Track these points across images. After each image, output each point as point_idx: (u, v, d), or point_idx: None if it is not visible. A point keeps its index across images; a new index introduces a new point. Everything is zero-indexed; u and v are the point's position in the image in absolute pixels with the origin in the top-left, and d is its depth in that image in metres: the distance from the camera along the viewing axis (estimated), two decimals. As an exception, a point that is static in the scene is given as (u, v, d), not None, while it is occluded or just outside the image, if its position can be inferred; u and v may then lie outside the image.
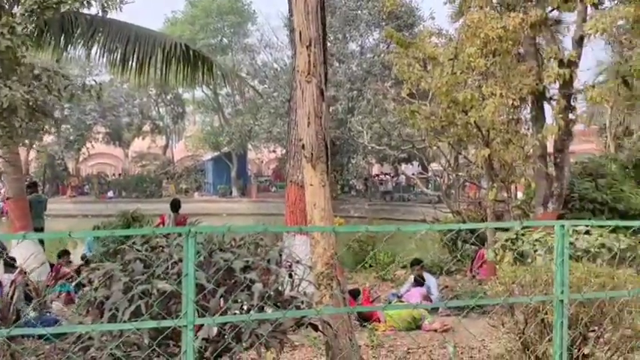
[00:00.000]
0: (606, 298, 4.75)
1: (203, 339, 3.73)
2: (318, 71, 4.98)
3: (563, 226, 4.34)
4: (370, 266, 12.02)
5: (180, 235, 3.63)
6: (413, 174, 34.11)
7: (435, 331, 7.58)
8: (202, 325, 3.69)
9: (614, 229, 6.86)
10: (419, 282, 9.16)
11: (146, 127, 45.52)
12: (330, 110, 29.68)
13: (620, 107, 19.13)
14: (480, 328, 6.88)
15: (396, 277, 11.40)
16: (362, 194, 37.38)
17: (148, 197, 37.81)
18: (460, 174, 15.88)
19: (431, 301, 8.78)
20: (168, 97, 44.27)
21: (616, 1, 11.16)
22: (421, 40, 11.37)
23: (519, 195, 15.11)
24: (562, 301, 4.29)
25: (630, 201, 10.85)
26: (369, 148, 26.97)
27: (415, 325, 7.85)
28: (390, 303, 8.87)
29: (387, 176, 39.28)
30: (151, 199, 36.59)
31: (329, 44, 31.01)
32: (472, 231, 10.59)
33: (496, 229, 9.12)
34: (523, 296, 4.87)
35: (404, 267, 11.59)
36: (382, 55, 28.00)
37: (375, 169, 43.12)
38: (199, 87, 33.62)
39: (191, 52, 10.70)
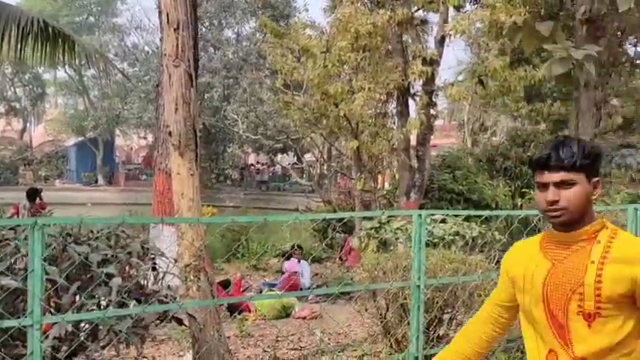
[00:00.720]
0: (459, 283, 5.11)
1: (55, 338, 3.47)
2: (186, 55, 4.81)
3: (420, 215, 4.60)
4: (243, 256, 11.98)
5: (28, 227, 3.33)
6: (288, 164, 34.49)
7: (304, 318, 7.72)
8: (56, 323, 3.44)
9: (468, 218, 7.41)
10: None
11: (0, 109, 41.58)
12: (205, 97, 29.05)
13: (477, 105, 20.70)
14: (347, 314, 7.12)
15: (269, 267, 11.46)
16: (238, 183, 37.11)
17: (2, 185, 34.66)
18: (332, 165, 16.28)
19: (302, 288, 8.95)
20: (26, 77, 40.72)
21: (475, 6, 12.00)
22: (295, 31, 11.46)
23: (387, 185, 15.85)
24: (419, 286, 4.55)
25: (483, 192, 11.78)
26: (245, 137, 26.83)
27: (285, 313, 7.94)
28: (261, 292, 8.91)
29: (263, 166, 39.35)
30: (5, 187, 33.57)
31: (204, 30, 30.30)
32: (340, 219, 10.91)
33: (363, 218, 9.48)
34: (384, 282, 5.10)
35: (276, 256, 11.68)
36: (258, 44, 27.87)
37: (252, 159, 42.98)
38: (61, 67, 31.27)
39: (50, 29, 9.86)
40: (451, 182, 11.67)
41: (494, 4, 8.65)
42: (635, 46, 16.28)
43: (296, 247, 9.88)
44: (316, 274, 10.41)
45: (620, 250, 1.76)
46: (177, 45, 4.75)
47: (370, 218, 8.32)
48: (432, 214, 6.70)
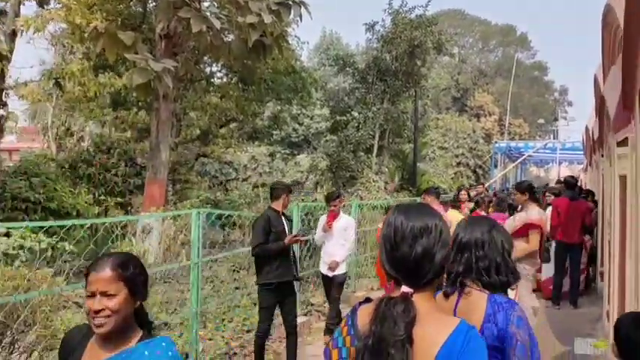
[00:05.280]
0: (18, 301, 4.66)
1: None
2: None
3: (-34, 230, 4.03)
4: None
5: None
6: None
7: None
8: None
9: (44, 229, 6.83)
10: None
11: None
12: None
13: (62, 108, 19.62)
14: None
15: None
16: None
17: None
18: None
19: None
20: None
21: (60, 5, 11.37)
22: None
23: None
24: (-38, 312, 3.96)
25: (63, 200, 11.11)
26: None
27: None
28: None
29: None
30: None
31: None
32: None
33: None
34: None
35: None
36: None
37: None
38: None
39: None
40: (27, 190, 10.68)
41: (70, 6, 8.30)
42: (210, 65, 18.11)
43: None
44: None
45: None
46: None
47: None
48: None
